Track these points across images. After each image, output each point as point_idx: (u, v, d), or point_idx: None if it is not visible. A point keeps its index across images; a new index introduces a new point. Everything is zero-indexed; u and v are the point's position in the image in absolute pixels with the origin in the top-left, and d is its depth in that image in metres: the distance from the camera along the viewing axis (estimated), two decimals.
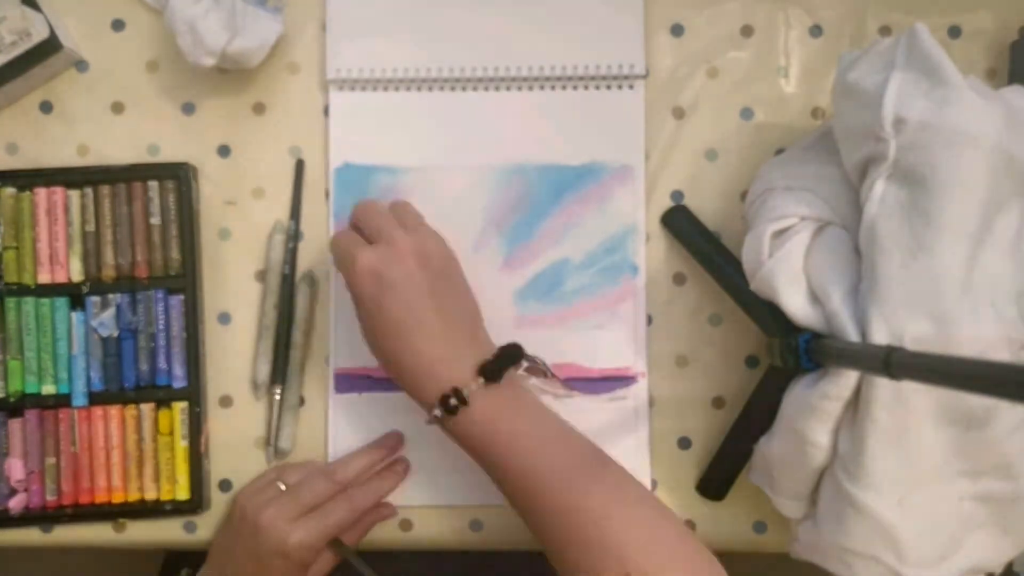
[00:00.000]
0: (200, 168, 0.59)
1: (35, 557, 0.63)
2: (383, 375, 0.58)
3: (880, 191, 0.46)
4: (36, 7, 0.56)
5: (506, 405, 0.49)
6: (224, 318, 0.59)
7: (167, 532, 0.59)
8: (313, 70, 0.60)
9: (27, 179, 0.58)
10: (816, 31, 0.60)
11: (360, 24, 0.59)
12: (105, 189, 0.58)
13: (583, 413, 0.58)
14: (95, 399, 0.57)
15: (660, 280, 0.59)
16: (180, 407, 0.57)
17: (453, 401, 0.48)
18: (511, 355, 0.51)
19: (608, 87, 0.59)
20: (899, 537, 0.46)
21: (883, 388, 0.44)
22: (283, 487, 0.54)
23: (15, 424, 0.57)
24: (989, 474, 0.46)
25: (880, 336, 0.44)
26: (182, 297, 0.57)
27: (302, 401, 0.59)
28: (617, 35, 0.59)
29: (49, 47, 0.56)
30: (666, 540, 0.46)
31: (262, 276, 0.59)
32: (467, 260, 0.59)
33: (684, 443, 0.59)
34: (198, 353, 0.58)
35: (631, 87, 0.59)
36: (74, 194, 0.57)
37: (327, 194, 0.59)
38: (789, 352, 0.49)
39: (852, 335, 0.45)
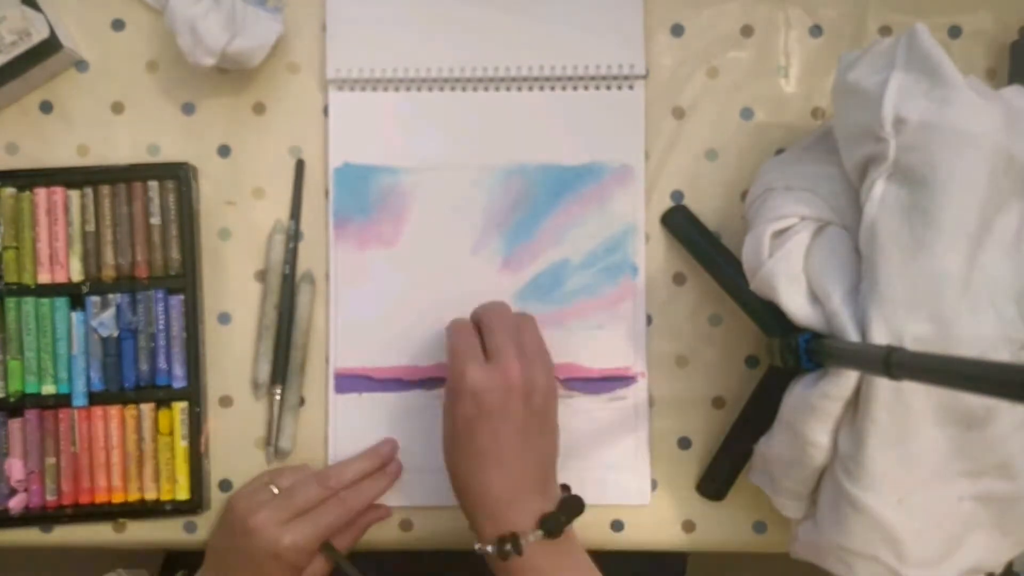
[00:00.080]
0: (200, 168, 0.59)
1: (35, 558, 0.63)
2: (383, 375, 0.59)
3: (880, 191, 0.46)
4: (36, 7, 0.56)
5: (557, 559, 0.48)
6: (224, 318, 0.59)
7: (167, 532, 0.59)
8: (313, 70, 0.60)
9: (27, 179, 0.58)
10: (816, 31, 0.60)
11: (360, 24, 0.59)
12: (105, 189, 0.58)
13: (583, 413, 0.58)
14: (95, 399, 0.57)
15: (660, 280, 0.59)
16: (180, 407, 0.57)
17: (508, 547, 0.47)
18: (574, 509, 0.50)
19: (608, 87, 0.59)
20: (899, 537, 0.46)
21: (883, 388, 0.44)
22: (276, 490, 0.54)
23: (15, 424, 0.57)
24: (989, 474, 0.46)
25: (880, 336, 0.44)
26: (182, 297, 0.57)
27: (302, 401, 0.59)
28: (617, 35, 0.59)
29: (49, 47, 0.56)
30: None
31: (262, 276, 0.59)
32: (467, 260, 0.59)
33: (684, 443, 0.59)
34: (198, 353, 0.58)
35: (631, 87, 0.59)
36: (74, 194, 0.57)
37: (327, 194, 0.59)
38: (789, 352, 0.49)
39: (852, 335, 0.45)
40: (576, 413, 0.58)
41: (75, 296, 0.57)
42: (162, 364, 0.57)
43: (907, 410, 0.44)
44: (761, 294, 0.51)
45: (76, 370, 0.57)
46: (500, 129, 0.59)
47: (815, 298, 0.49)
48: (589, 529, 0.58)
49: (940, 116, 0.44)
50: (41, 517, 0.57)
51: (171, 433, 0.57)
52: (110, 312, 0.57)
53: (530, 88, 0.59)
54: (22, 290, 0.57)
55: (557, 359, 0.58)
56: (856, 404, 0.46)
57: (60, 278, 0.57)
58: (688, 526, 0.59)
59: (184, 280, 0.57)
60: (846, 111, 0.49)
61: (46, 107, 0.59)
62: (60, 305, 0.57)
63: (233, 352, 0.59)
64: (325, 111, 0.59)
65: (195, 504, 0.57)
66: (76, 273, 0.57)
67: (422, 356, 0.59)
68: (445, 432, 0.51)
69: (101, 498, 0.57)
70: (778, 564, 0.59)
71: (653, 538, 0.59)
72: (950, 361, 0.35)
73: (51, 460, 0.57)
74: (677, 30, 0.60)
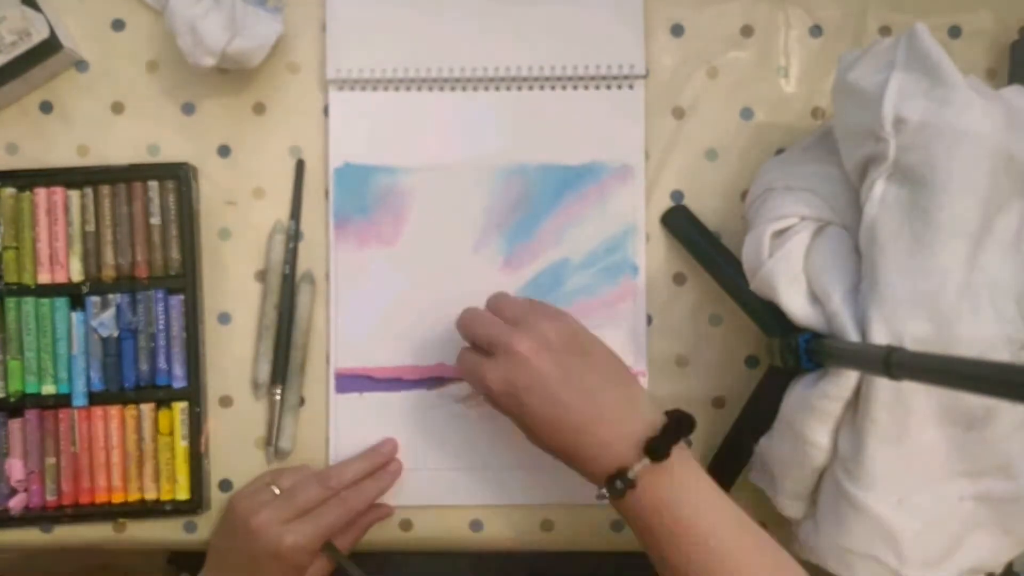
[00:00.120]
0: (200, 168, 0.59)
1: (36, 558, 0.63)
2: (384, 375, 0.59)
3: (880, 191, 0.46)
4: (36, 7, 0.56)
5: (677, 485, 0.46)
6: (224, 318, 0.59)
7: (167, 532, 0.59)
8: (313, 70, 0.60)
9: (27, 179, 0.58)
10: (816, 31, 0.60)
11: (360, 24, 0.59)
12: (105, 189, 0.58)
13: None
14: (95, 399, 0.57)
15: (660, 280, 0.59)
16: (180, 407, 0.57)
17: (619, 484, 0.45)
18: (678, 427, 0.47)
19: (608, 87, 0.59)
20: (899, 537, 0.46)
21: (883, 388, 0.44)
22: (277, 491, 0.54)
23: (15, 424, 0.57)
24: (989, 474, 0.46)
25: (880, 336, 0.44)
26: (182, 297, 0.57)
27: (302, 401, 0.59)
28: (617, 35, 0.59)
29: (49, 47, 0.56)
30: None
31: (262, 276, 0.59)
32: (467, 260, 0.59)
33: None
34: (198, 353, 0.58)
35: (631, 87, 0.59)
36: (74, 194, 0.57)
37: (327, 194, 0.59)
38: (789, 352, 0.49)
39: (852, 335, 0.45)
40: None
41: (75, 296, 0.57)
42: (162, 364, 0.57)
43: (907, 410, 0.45)
44: (761, 294, 0.51)
45: (76, 370, 0.57)
46: (500, 129, 0.59)
47: (815, 298, 0.49)
48: (589, 529, 0.58)
49: (940, 116, 0.44)
50: (41, 517, 0.57)
51: (171, 433, 0.57)
52: (110, 312, 0.57)
53: (530, 88, 0.59)
54: (22, 290, 0.57)
55: None
56: (856, 404, 0.46)
57: (60, 278, 0.57)
58: None
59: (184, 280, 0.57)
60: (846, 111, 0.49)
61: (46, 107, 0.59)
62: (60, 305, 0.57)
63: (233, 352, 0.59)
64: (325, 111, 0.59)
65: (195, 504, 0.57)
66: (76, 273, 0.57)
67: (423, 355, 0.59)
68: (526, 434, 0.49)
69: (101, 498, 0.57)
70: None
71: None
72: (950, 361, 0.36)
73: (51, 460, 0.57)
74: (677, 30, 0.60)
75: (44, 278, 0.57)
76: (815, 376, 0.48)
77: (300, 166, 0.59)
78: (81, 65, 0.60)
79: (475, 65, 0.59)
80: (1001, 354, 0.44)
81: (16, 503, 0.57)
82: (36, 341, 0.57)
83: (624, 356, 0.58)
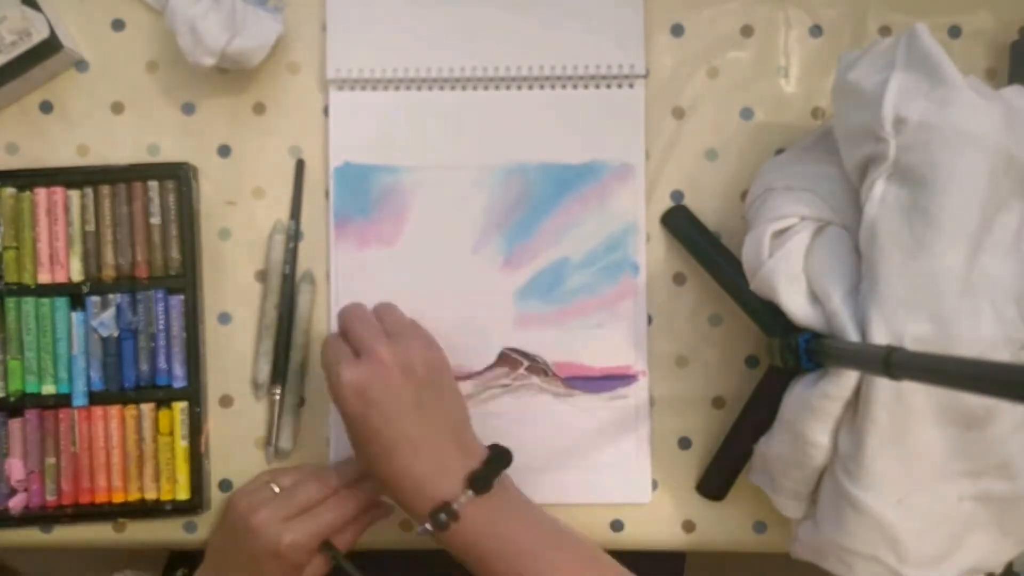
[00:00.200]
0: (200, 168, 0.59)
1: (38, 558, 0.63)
2: None
3: (880, 191, 0.46)
4: (36, 7, 0.56)
5: (497, 513, 0.48)
6: (224, 318, 0.59)
7: (167, 532, 0.59)
8: (313, 70, 0.60)
9: (27, 179, 0.58)
10: (816, 31, 0.60)
11: (360, 24, 0.59)
12: (105, 189, 0.58)
13: (584, 412, 0.58)
14: (95, 399, 0.57)
15: (660, 280, 0.59)
16: (180, 407, 0.57)
17: (443, 517, 0.47)
18: (499, 461, 0.50)
19: (608, 87, 0.59)
20: (899, 537, 0.46)
21: (883, 388, 0.44)
22: (277, 489, 0.54)
23: (15, 424, 0.57)
24: (989, 474, 0.46)
25: (880, 336, 0.44)
26: (182, 297, 0.57)
27: (302, 401, 0.59)
28: (617, 35, 0.59)
29: (49, 47, 0.56)
30: None
31: (262, 276, 0.59)
32: (467, 260, 0.59)
33: (684, 443, 0.59)
34: (198, 353, 0.58)
35: (631, 87, 0.59)
36: (74, 194, 0.57)
37: (327, 194, 0.59)
38: (789, 352, 0.49)
39: (852, 335, 0.45)
40: (577, 412, 0.58)
41: (75, 296, 0.57)
42: (162, 364, 0.57)
43: (907, 410, 0.44)
44: (761, 294, 0.51)
45: (76, 370, 0.57)
46: (500, 128, 0.59)
47: (815, 298, 0.49)
48: (589, 529, 0.58)
49: (940, 116, 0.44)
50: (41, 517, 0.57)
51: (171, 433, 0.57)
52: (110, 312, 0.57)
53: (530, 87, 0.59)
54: (22, 290, 0.57)
55: (558, 358, 0.58)
56: (856, 404, 0.46)
57: (60, 278, 0.57)
58: (688, 526, 0.59)
59: (184, 280, 0.57)
60: (846, 111, 0.49)
61: (46, 107, 0.59)
62: (60, 305, 0.57)
63: (233, 352, 0.59)
64: (325, 111, 0.59)
65: (195, 504, 0.57)
66: (76, 273, 0.57)
67: None
68: (350, 439, 0.51)
69: (101, 498, 0.57)
70: (778, 564, 0.59)
71: (653, 538, 0.59)
72: (950, 361, 0.35)
73: (51, 460, 0.57)
74: (677, 30, 0.60)
75: (44, 278, 0.57)
76: (815, 376, 0.48)
77: (300, 166, 0.59)
78: (81, 65, 0.60)
79: (475, 65, 0.59)
80: (1001, 354, 0.44)
81: (16, 503, 0.57)
82: (36, 341, 0.57)
83: (624, 356, 0.59)
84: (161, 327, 0.57)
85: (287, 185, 0.59)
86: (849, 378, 0.45)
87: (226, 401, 0.59)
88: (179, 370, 0.57)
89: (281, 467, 0.58)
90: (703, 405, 0.59)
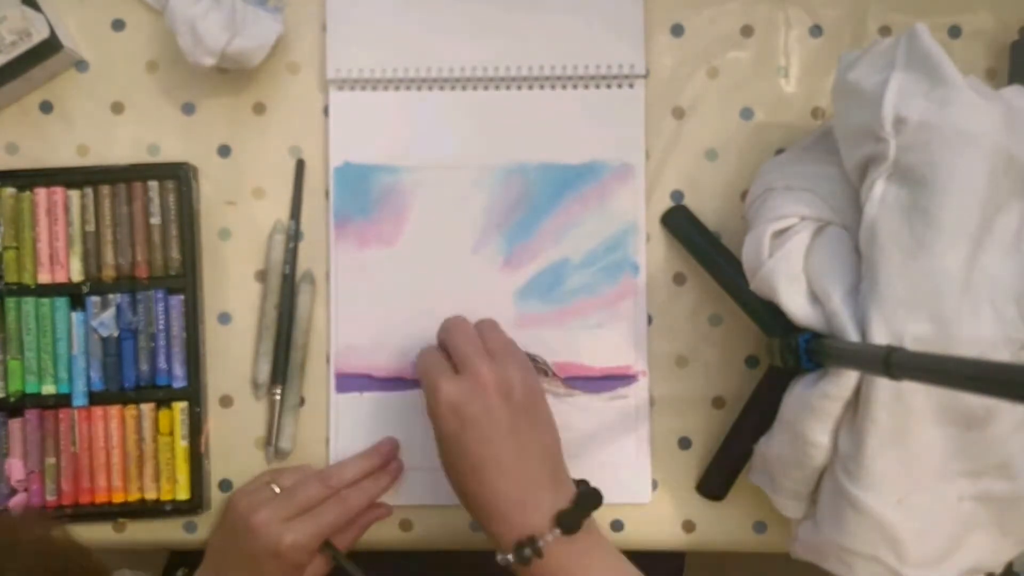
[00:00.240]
0: (200, 168, 0.59)
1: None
2: (384, 375, 0.59)
3: (880, 191, 0.46)
4: (36, 7, 0.56)
5: (581, 557, 0.47)
6: (224, 318, 0.59)
7: (167, 532, 0.59)
8: (313, 70, 0.60)
9: (27, 179, 0.58)
10: (816, 31, 0.60)
11: (360, 24, 0.59)
12: (105, 189, 0.58)
13: (584, 412, 0.58)
14: (95, 399, 0.57)
15: (660, 280, 0.59)
16: (180, 407, 0.57)
17: (527, 551, 0.46)
18: (591, 501, 0.49)
19: (608, 87, 0.59)
20: (899, 537, 0.46)
21: (883, 388, 0.44)
22: (277, 489, 0.54)
23: (15, 424, 0.57)
24: (989, 474, 0.46)
25: (880, 336, 0.44)
26: (182, 297, 0.57)
27: (302, 401, 0.59)
28: (617, 35, 0.59)
29: (49, 47, 0.56)
30: None
31: (262, 276, 0.59)
32: (467, 260, 0.59)
33: (684, 443, 0.59)
34: (198, 353, 0.58)
35: (631, 87, 0.59)
36: (74, 194, 0.57)
37: (327, 194, 0.59)
38: (789, 352, 0.49)
39: (852, 335, 0.45)
40: (577, 411, 0.58)
41: (75, 296, 0.57)
42: (162, 364, 0.57)
43: (907, 410, 0.44)
44: (761, 294, 0.51)
45: (76, 370, 0.57)
46: (500, 128, 0.59)
47: (815, 298, 0.49)
48: None
49: (940, 116, 0.44)
50: None
51: (171, 433, 0.57)
52: (110, 312, 0.57)
53: (530, 87, 0.59)
54: (22, 290, 0.57)
55: (558, 358, 0.58)
56: (856, 404, 0.46)
57: (60, 278, 0.57)
58: (688, 526, 0.59)
59: (184, 280, 0.57)
60: (846, 111, 0.49)
61: (46, 107, 0.59)
62: (60, 305, 0.57)
63: (233, 352, 0.59)
64: (325, 111, 0.59)
65: (195, 504, 0.57)
66: (76, 273, 0.57)
67: None
68: (441, 456, 0.50)
69: (101, 498, 0.57)
70: (778, 564, 0.59)
71: (653, 538, 0.59)
72: (950, 361, 0.35)
73: (51, 460, 0.57)
74: (677, 30, 0.60)
75: (44, 278, 0.57)
76: (815, 376, 0.48)
77: (300, 166, 0.59)
78: (81, 65, 0.60)
79: (475, 65, 0.59)
80: (1001, 354, 0.44)
81: (16, 503, 0.57)
82: (36, 341, 0.57)
83: (624, 356, 0.59)
84: (161, 327, 0.57)
85: (287, 185, 0.59)
86: (849, 378, 0.45)
87: (226, 401, 0.59)
88: (179, 370, 0.57)
89: (281, 467, 0.58)
90: (703, 405, 0.59)
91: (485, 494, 0.48)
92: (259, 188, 0.59)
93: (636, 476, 0.58)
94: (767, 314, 0.52)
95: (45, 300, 0.57)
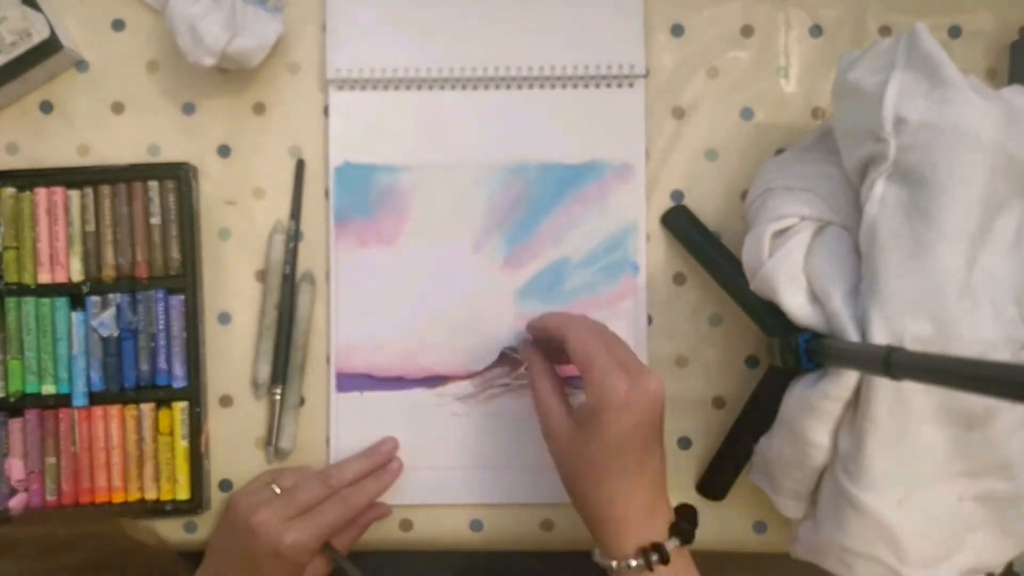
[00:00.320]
0: (200, 168, 0.59)
1: None
2: (384, 374, 0.59)
3: (880, 191, 0.46)
4: (36, 7, 0.56)
5: (691, 570, 0.49)
6: (224, 318, 0.59)
7: (167, 532, 0.59)
8: (313, 70, 0.60)
9: (27, 179, 0.58)
10: (816, 31, 0.60)
11: (360, 24, 0.59)
12: (105, 189, 0.58)
13: None
14: (95, 399, 0.57)
15: (660, 280, 0.59)
16: (180, 407, 0.57)
17: (655, 557, 0.46)
18: (694, 515, 0.50)
19: (608, 87, 0.59)
20: (899, 537, 0.46)
21: (883, 388, 0.44)
22: (277, 489, 0.54)
23: (15, 424, 0.57)
24: (989, 474, 0.46)
25: (880, 336, 0.44)
26: (182, 297, 0.57)
27: (302, 401, 0.59)
28: (617, 35, 0.59)
29: (49, 47, 0.56)
30: None
31: (262, 276, 0.59)
32: (467, 260, 0.59)
33: (684, 443, 0.59)
34: (198, 353, 0.58)
35: (631, 86, 0.59)
36: (74, 194, 0.57)
37: (327, 194, 0.59)
38: (789, 352, 0.49)
39: (852, 335, 0.45)
40: None
41: (75, 296, 0.57)
42: (162, 364, 0.57)
43: (907, 410, 0.44)
44: (761, 294, 0.51)
45: (76, 370, 0.57)
46: (500, 128, 0.59)
47: (815, 298, 0.49)
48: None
49: (940, 116, 0.44)
50: None
51: (171, 433, 0.57)
52: (110, 312, 0.57)
53: (530, 87, 0.59)
54: (22, 290, 0.57)
55: None
56: (856, 404, 0.46)
57: (60, 278, 0.57)
58: None
59: (184, 280, 0.57)
60: (846, 111, 0.49)
61: (46, 107, 0.59)
62: (60, 305, 0.57)
63: (233, 352, 0.59)
64: (325, 111, 0.59)
65: (195, 504, 0.57)
66: (76, 273, 0.57)
67: (423, 354, 0.59)
68: (584, 453, 0.48)
69: (101, 498, 0.57)
70: (778, 564, 0.59)
71: None
72: (950, 361, 0.35)
73: (51, 460, 0.57)
74: (677, 30, 0.60)
75: (44, 278, 0.57)
76: (815, 376, 0.48)
77: (300, 166, 0.59)
78: (81, 65, 0.60)
79: (475, 64, 0.59)
80: (1001, 354, 0.44)
81: (16, 503, 0.57)
82: (36, 341, 0.57)
83: None
84: (161, 327, 0.57)
85: (287, 185, 0.59)
86: (849, 378, 0.45)
87: (226, 401, 0.59)
88: (179, 370, 0.57)
89: (281, 467, 0.58)
90: (703, 405, 0.59)
91: (625, 497, 0.48)
92: (259, 188, 0.59)
93: None
94: (767, 314, 0.52)
95: (45, 300, 0.57)
